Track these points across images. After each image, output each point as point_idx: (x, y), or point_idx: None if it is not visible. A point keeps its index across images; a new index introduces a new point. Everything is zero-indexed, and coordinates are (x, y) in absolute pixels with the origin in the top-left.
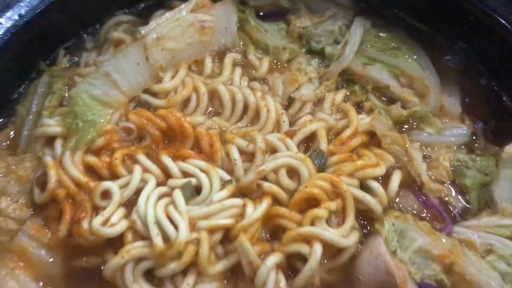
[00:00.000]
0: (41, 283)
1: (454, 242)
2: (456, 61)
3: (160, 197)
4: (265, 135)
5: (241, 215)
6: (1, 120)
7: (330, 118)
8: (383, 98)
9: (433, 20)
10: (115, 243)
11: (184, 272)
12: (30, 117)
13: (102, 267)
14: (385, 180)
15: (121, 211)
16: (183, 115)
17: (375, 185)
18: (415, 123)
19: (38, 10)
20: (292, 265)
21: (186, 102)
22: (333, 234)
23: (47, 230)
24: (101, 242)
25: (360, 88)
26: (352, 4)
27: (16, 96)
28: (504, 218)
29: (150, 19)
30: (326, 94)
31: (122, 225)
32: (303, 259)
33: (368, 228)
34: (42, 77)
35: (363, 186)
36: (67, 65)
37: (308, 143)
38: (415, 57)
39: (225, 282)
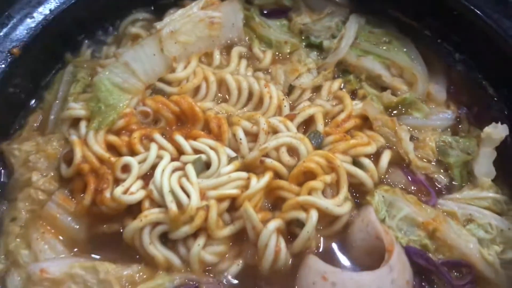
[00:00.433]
0: (67, 246)
1: (437, 212)
2: (443, 53)
3: (174, 171)
4: (267, 118)
5: (246, 187)
6: (33, 102)
7: (327, 104)
8: (375, 87)
9: (421, 17)
10: (134, 211)
11: (195, 235)
12: (57, 102)
13: (121, 231)
14: (376, 158)
15: (139, 183)
16: (194, 101)
17: (366, 162)
18: (404, 109)
19: (65, 7)
20: (291, 231)
21: (196, 89)
22: (327, 203)
23: (72, 200)
24: (121, 209)
25: (354, 77)
26: (348, 3)
27: (44, 84)
28: (483, 191)
29: (164, 16)
30: (324, 82)
31: (140, 194)
32: (301, 225)
33: (360, 200)
34: (67, 67)
35: (356, 162)
36: (90, 57)
37: (307, 125)
38: (405, 50)
39: (231, 245)
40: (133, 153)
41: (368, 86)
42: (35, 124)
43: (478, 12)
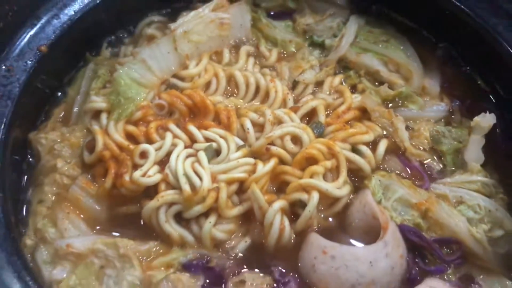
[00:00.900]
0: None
1: (430, 195)
2: (437, 51)
3: (187, 157)
4: (273, 110)
5: (253, 171)
6: (57, 96)
7: (329, 97)
8: (373, 81)
9: (418, 18)
10: (150, 194)
11: (206, 214)
12: (79, 96)
13: (139, 211)
14: (373, 146)
15: (156, 168)
16: (206, 95)
17: (364, 149)
18: (400, 101)
19: (87, 9)
20: (294, 212)
21: (207, 85)
22: (328, 185)
23: (94, 184)
24: (139, 191)
25: (354, 73)
26: (348, 5)
27: (67, 80)
28: (472, 175)
29: (177, 18)
30: (325, 78)
31: (157, 177)
32: (304, 206)
33: (359, 184)
34: (88, 65)
35: (354, 149)
36: (109, 56)
37: (310, 117)
38: (401, 48)
39: (240, 223)
40: (149, 141)
41: (367, 81)
42: (60, 116)
43: (468, 10)
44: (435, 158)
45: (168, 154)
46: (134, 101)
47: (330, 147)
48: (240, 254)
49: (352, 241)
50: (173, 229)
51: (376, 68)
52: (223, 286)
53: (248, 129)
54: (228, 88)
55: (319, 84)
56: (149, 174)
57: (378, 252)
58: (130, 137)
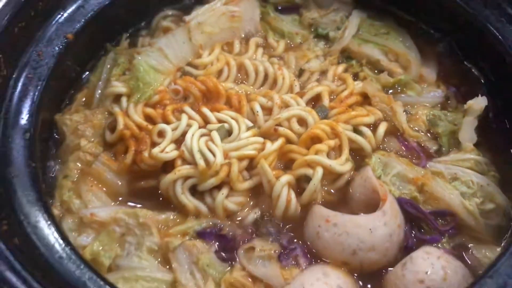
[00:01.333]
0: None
1: (426, 172)
2: (434, 42)
3: (202, 136)
4: (280, 95)
5: (262, 149)
6: (80, 82)
7: (332, 84)
8: (374, 70)
9: (416, 12)
10: (167, 170)
11: (219, 187)
12: (101, 82)
13: (157, 185)
14: (374, 129)
15: (172, 145)
16: (218, 81)
17: (365, 129)
18: (399, 88)
19: (108, 2)
20: (300, 187)
21: (219, 72)
22: (331, 161)
23: (115, 160)
24: (157, 167)
25: (356, 62)
26: (351, 0)
27: (89, 67)
28: (466, 153)
29: (192, 11)
30: (329, 67)
31: (174, 153)
32: (309, 181)
33: (360, 162)
34: (109, 54)
35: (356, 130)
36: (127, 46)
37: (315, 102)
38: (400, 39)
39: (250, 196)
40: (166, 123)
41: (368, 69)
42: (82, 100)
43: (462, 3)
44: (432, 139)
45: (184, 134)
46: (152, 86)
47: (333, 127)
48: (250, 225)
49: (353, 213)
50: (189, 201)
51: (377, 58)
52: (234, 251)
53: (257, 111)
54: (239, 75)
55: (323, 72)
56: (166, 150)
57: (377, 221)
58: (148, 118)
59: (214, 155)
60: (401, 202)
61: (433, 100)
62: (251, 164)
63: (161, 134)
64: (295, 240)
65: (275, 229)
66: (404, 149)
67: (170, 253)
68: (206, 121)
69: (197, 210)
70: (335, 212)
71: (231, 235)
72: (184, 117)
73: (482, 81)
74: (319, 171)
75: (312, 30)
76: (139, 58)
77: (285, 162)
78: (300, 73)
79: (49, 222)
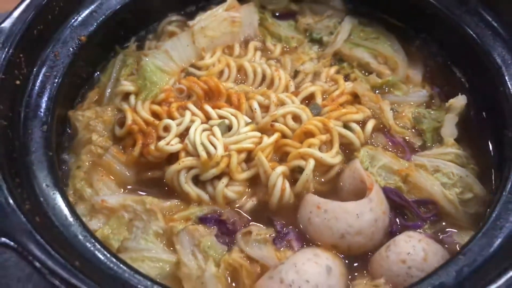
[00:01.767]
0: (120, 186)
1: (410, 164)
2: (421, 46)
3: (204, 130)
4: (277, 94)
5: (259, 143)
6: (91, 82)
7: (325, 84)
8: (364, 72)
9: (404, 18)
10: (172, 162)
11: (219, 177)
12: (110, 82)
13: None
14: (363, 125)
15: (177, 139)
16: (219, 81)
17: (354, 125)
18: (387, 88)
19: (118, 8)
20: (294, 178)
21: (221, 73)
22: (323, 154)
23: (124, 153)
24: (163, 158)
25: (347, 64)
26: (344, 8)
27: (99, 68)
28: (447, 148)
29: (195, 17)
30: (322, 69)
31: (178, 146)
32: (302, 171)
33: (349, 155)
34: (118, 56)
35: (346, 126)
36: (135, 49)
37: (309, 101)
38: (389, 43)
39: (248, 185)
40: (171, 119)
41: (359, 71)
42: (94, 98)
43: (445, 11)
44: (416, 135)
45: (187, 129)
46: (158, 85)
47: (325, 123)
48: (248, 211)
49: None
50: (191, 189)
51: (367, 60)
52: (233, 235)
53: (255, 109)
54: (238, 76)
55: (317, 74)
56: (171, 143)
57: (364, 207)
58: (155, 115)
59: (215, 147)
60: (386, 191)
61: (418, 99)
62: (249, 156)
63: (167, 129)
64: (288, 226)
65: (271, 216)
66: (390, 144)
67: (174, 236)
68: (208, 117)
69: (199, 198)
70: (326, 200)
71: (230, 220)
72: (187, 114)
73: (464, 82)
74: (311, 162)
75: (307, 34)
76: (146, 59)
77: (281, 155)
78: (295, 74)
79: (64, 204)
